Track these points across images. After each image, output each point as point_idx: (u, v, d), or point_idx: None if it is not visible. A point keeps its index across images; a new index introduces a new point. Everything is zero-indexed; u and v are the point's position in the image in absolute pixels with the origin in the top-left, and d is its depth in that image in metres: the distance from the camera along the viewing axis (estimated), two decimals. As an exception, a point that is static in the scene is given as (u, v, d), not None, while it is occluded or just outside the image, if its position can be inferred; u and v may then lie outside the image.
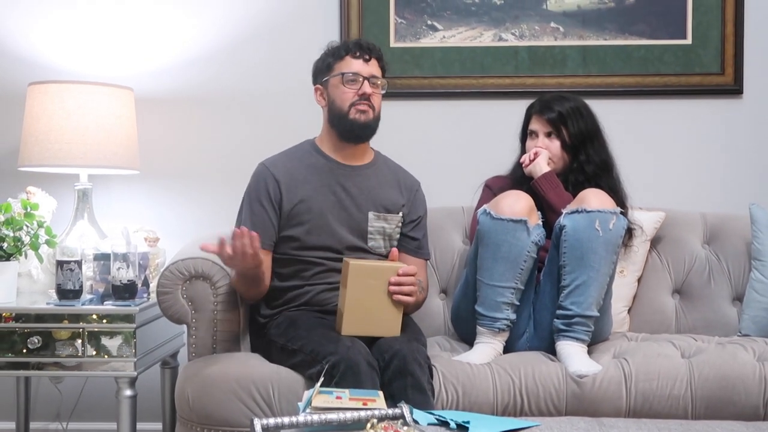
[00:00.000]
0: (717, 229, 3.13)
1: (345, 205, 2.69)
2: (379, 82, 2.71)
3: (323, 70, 2.74)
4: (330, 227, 2.67)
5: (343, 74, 2.68)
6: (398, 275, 2.44)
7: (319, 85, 2.75)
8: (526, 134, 2.96)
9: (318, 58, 2.77)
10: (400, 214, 2.77)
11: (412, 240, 2.79)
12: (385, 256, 2.71)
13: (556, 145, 2.88)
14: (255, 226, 2.59)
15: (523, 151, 2.95)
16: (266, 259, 2.61)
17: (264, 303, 2.70)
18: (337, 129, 2.72)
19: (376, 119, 2.71)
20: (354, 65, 2.69)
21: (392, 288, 2.43)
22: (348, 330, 2.42)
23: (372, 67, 2.70)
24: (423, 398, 2.30)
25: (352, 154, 2.75)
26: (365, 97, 2.67)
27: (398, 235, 2.77)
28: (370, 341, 2.43)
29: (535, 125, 2.91)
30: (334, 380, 2.23)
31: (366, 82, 2.67)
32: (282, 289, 2.68)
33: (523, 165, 2.88)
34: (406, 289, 2.45)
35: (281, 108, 3.39)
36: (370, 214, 2.71)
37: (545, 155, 2.86)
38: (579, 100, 2.92)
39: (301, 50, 3.23)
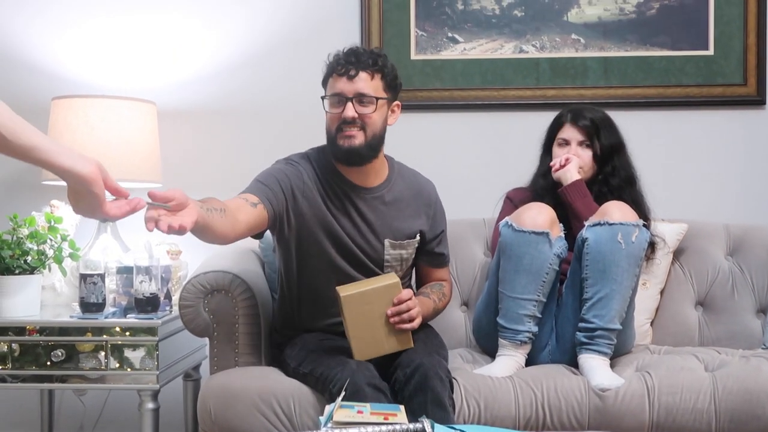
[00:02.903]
0: (740, 241, 3.11)
1: (362, 231, 2.56)
2: (366, 100, 2.45)
3: (324, 89, 2.57)
4: (348, 247, 2.55)
5: (324, 98, 2.52)
6: (393, 305, 2.35)
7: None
8: (550, 144, 2.95)
9: None
10: (418, 237, 2.65)
11: (438, 255, 2.73)
12: (400, 279, 2.47)
13: (588, 154, 2.87)
14: (268, 177, 2.51)
15: (548, 160, 2.94)
16: (254, 212, 2.40)
17: (281, 322, 2.68)
18: (331, 152, 2.56)
19: (370, 142, 2.48)
20: (338, 85, 2.46)
21: (392, 319, 2.36)
22: (360, 356, 2.38)
23: (359, 83, 2.45)
24: (443, 414, 2.28)
25: (364, 173, 2.56)
26: (349, 121, 2.45)
27: (413, 256, 2.67)
28: (392, 356, 2.40)
29: (567, 134, 2.89)
30: None
31: (349, 103, 2.44)
32: (298, 318, 2.64)
33: (553, 169, 2.86)
34: (406, 316, 2.37)
35: (303, 121, 3.38)
36: (387, 242, 2.58)
37: (576, 162, 2.84)
38: (604, 113, 2.93)
39: (322, 63, 3.22)
